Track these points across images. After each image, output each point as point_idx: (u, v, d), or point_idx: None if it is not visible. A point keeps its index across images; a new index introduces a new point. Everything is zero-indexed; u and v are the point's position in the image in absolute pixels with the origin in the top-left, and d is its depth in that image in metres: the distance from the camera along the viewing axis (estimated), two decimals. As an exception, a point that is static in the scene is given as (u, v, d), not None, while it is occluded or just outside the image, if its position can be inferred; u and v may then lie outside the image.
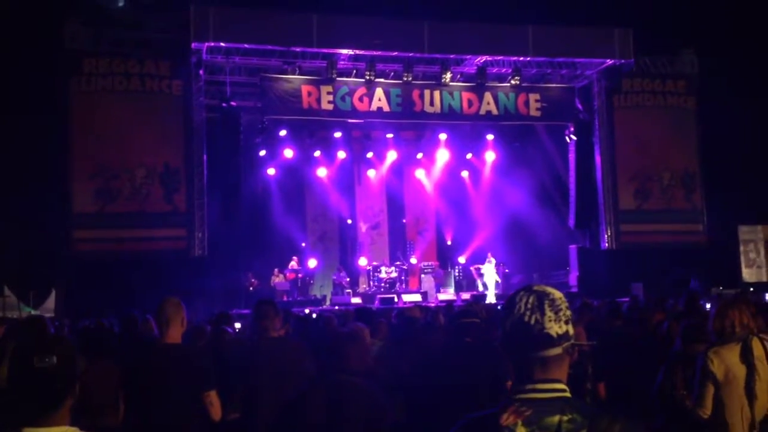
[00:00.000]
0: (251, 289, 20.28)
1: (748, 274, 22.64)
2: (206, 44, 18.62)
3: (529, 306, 2.11)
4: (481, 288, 21.95)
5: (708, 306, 11.04)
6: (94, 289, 16.98)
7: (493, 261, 21.90)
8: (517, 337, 2.11)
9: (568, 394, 2.10)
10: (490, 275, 21.10)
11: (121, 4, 20.56)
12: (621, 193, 22.33)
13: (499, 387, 4.81)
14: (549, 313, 2.10)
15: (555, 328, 2.09)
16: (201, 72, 19.61)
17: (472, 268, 22.86)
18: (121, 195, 18.93)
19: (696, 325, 5.03)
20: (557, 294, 2.15)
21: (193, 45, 18.60)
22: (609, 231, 22.13)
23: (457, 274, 24.27)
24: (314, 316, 12.70)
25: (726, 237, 22.50)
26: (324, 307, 19.54)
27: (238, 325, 8.53)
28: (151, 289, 15.00)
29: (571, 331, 2.12)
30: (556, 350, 2.09)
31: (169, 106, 19.51)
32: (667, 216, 22.36)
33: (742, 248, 22.90)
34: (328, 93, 19.86)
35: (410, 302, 18.49)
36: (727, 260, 22.00)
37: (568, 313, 2.13)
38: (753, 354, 4.30)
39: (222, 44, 18.83)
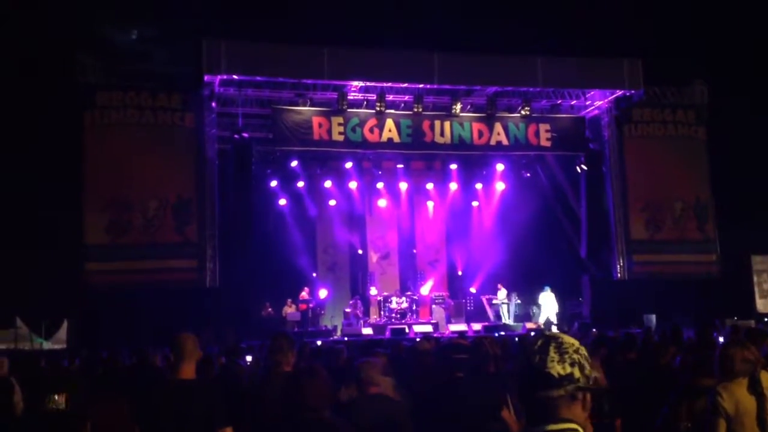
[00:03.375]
0: (264, 315, 20.28)
1: (762, 305, 22.43)
2: (218, 77, 18.80)
3: (536, 348, 2.17)
4: (492, 318, 21.86)
5: (721, 339, 10.96)
6: (106, 320, 17.03)
7: (505, 291, 21.88)
8: (522, 376, 2.17)
9: None
10: (548, 304, 21.17)
11: (134, 37, 20.83)
12: (633, 223, 22.26)
13: (493, 419, 4.80)
14: (552, 354, 2.13)
15: (557, 368, 2.11)
16: (213, 104, 19.80)
17: (483, 299, 22.76)
18: (134, 226, 19.02)
19: (704, 358, 4.98)
20: (568, 340, 2.18)
21: (205, 78, 18.78)
22: (621, 261, 22.01)
23: (468, 304, 24.09)
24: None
25: (739, 267, 22.34)
26: (335, 337, 19.46)
27: (249, 358, 8.49)
28: (163, 320, 15.05)
29: (577, 374, 2.12)
30: (558, 391, 2.10)
31: (182, 138, 19.68)
32: (680, 246, 22.24)
33: (755, 279, 22.73)
34: (339, 124, 19.99)
35: (421, 333, 18.41)
36: (740, 291, 21.84)
37: (576, 357, 2.15)
38: (761, 384, 4.28)
39: (234, 77, 19.01)
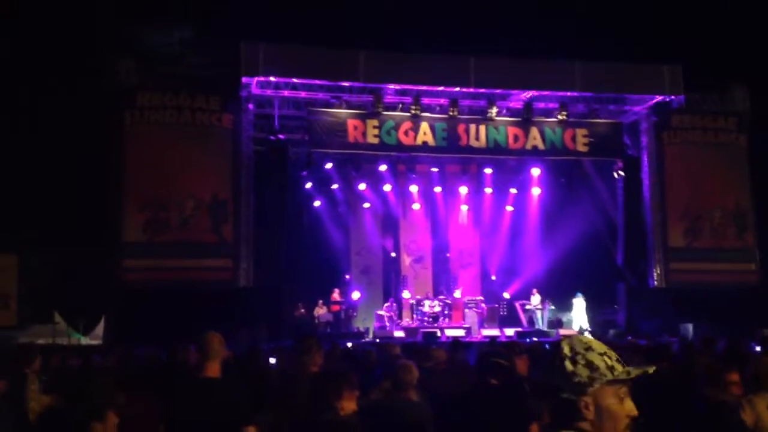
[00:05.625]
0: (296, 315, 20.39)
1: (802, 316, 21.90)
2: (256, 79, 18.99)
3: (560, 352, 2.14)
4: (526, 324, 21.73)
5: (758, 348, 10.75)
6: (142, 317, 17.25)
7: (539, 297, 21.73)
8: (546, 380, 2.15)
9: None
10: (578, 311, 20.95)
11: (173, 39, 21.13)
12: (670, 230, 21.94)
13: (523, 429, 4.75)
14: (568, 358, 2.11)
15: (573, 370, 2.08)
16: (250, 105, 19.99)
17: (517, 304, 22.61)
18: (170, 225, 19.28)
19: (713, 368, 4.88)
20: (582, 341, 2.15)
21: (243, 79, 18.98)
22: (658, 269, 21.72)
23: (501, 309, 23.91)
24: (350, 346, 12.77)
25: (779, 277, 21.90)
26: (367, 340, 19.51)
27: (272, 360, 8.54)
28: (198, 319, 15.19)
29: (585, 373, 2.08)
30: (571, 396, 2.07)
31: (219, 138, 19.91)
32: (719, 255, 21.84)
33: (796, 289, 22.21)
34: (374, 127, 20.02)
35: (452, 337, 18.35)
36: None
37: (592, 357, 2.09)
38: None
39: (271, 78, 19.19)
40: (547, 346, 11.25)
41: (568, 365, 2.09)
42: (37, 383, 5.69)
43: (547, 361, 2.15)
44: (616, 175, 22.21)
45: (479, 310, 22.15)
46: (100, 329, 19.32)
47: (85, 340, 18.86)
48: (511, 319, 22.53)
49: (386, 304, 21.73)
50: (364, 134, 19.95)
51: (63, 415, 2.27)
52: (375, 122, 20.03)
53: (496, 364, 4.92)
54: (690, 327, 19.27)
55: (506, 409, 4.61)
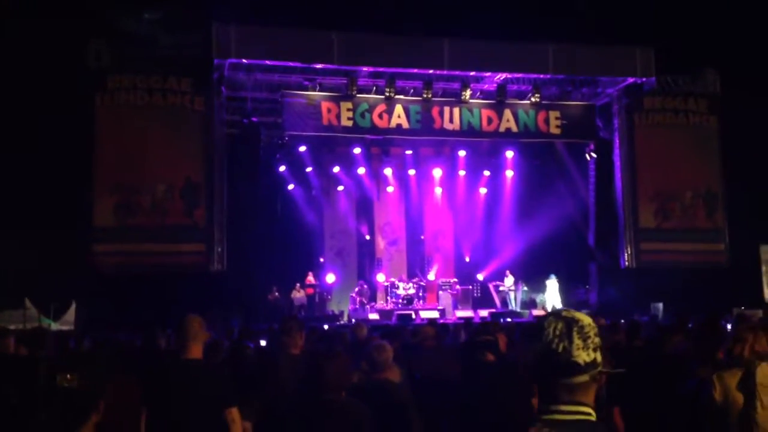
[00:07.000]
0: (270, 298, 20.33)
1: (770, 295, 22.31)
2: (228, 61, 18.80)
3: (557, 333, 2.12)
4: (499, 305, 21.89)
5: (729, 327, 10.93)
6: (113, 302, 17.10)
7: (512, 278, 21.89)
8: (544, 363, 2.13)
9: (593, 418, 2.12)
10: (552, 292, 21.19)
11: (144, 21, 20.76)
12: (641, 211, 22.18)
13: (524, 405, 4.76)
14: (577, 341, 2.10)
15: (583, 356, 2.10)
16: (222, 88, 19.80)
17: (490, 285, 22.77)
18: (142, 209, 19.08)
19: (703, 347, 4.90)
20: (586, 320, 2.15)
21: (215, 62, 18.78)
22: (629, 249, 21.97)
23: (475, 291, 24.05)
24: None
25: (748, 257, 22.23)
26: (342, 322, 19.53)
27: (263, 342, 8.53)
28: (170, 303, 15.08)
29: (599, 359, 2.13)
30: (583, 377, 2.10)
31: (191, 121, 19.69)
32: (688, 235, 22.17)
33: (764, 268, 22.59)
34: (348, 109, 19.95)
35: (427, 319, 18.43)
36: (748, 280, 21.72)
37: (597, 340, 2.13)
38: (755, 380, 4.05)
39: (243, 61, 19.00)
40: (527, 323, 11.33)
41: (579, 344, 2.11)
42: None
43: (554, 337, 2.13)
44: (588, 157, 22.40)
45: (453, 292, 22.27)
46: (71, 315, 19.10)
47: (55, 326, 18.63)
48: (485, 301, 22.70)
49: (356, 288, 21.73)
50: (338, 117, 19.88)
51: (67, 395, 2.23)
52: (349, 105, 19.95)
53: (486, 342, 4.94)
54: (660, 306, 19.56)
55: (512, 384, 4.61)
